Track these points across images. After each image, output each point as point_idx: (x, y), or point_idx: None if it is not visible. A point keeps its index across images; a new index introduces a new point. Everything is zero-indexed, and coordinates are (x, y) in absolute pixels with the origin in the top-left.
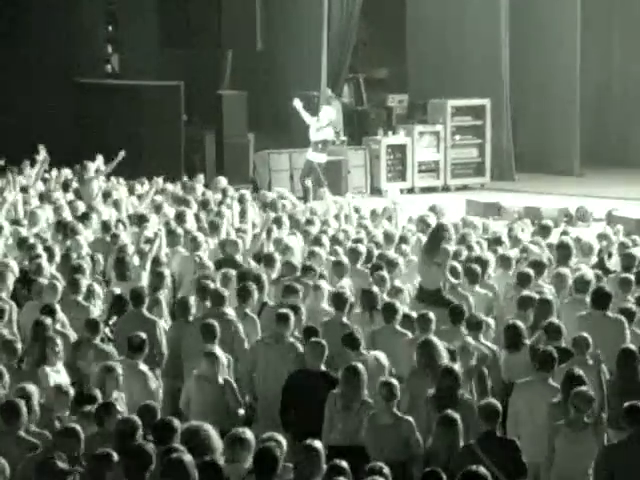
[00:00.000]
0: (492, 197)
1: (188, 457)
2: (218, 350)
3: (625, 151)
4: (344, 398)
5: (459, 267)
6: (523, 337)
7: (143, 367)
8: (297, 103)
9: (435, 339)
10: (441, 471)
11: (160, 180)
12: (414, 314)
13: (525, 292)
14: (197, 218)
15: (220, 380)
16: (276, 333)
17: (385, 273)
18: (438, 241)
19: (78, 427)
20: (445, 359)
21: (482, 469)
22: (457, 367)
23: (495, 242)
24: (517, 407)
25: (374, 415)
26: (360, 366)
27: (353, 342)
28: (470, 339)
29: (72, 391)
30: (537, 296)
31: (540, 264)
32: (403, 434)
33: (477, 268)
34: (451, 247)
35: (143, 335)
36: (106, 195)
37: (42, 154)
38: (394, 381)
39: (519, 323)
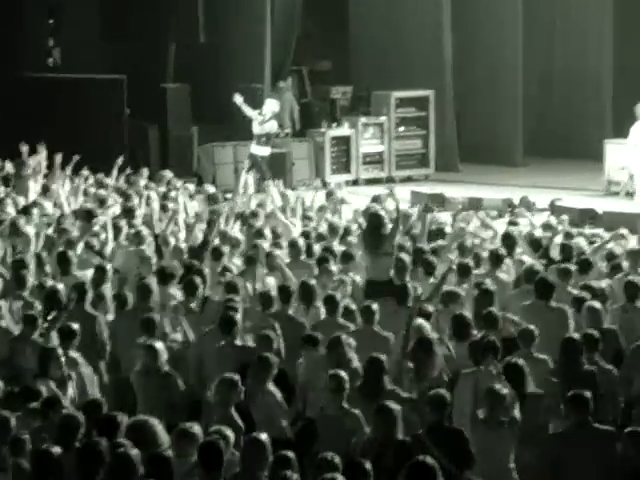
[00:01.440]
0: (436, 188)
1: (135, 451)
2: (158, 343)
3: (568, 141)
4: (249, 388)
5: (407, 259)
6: (470, 327)
7: (74, 354)
8: (237, 98)
9: (345, 337)
10: (364, 462)
11: (85, 172)
12: (354, 306)
13: (450, 287)
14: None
15: (163, 370)
16: None
17: (332, 265)
18: (378, 230)
19: (7, 414)
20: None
21: (429, 459)
22: (384, 357)
23: (438, 234)
24: (463, 397)
25: (323, 407)
26: (270, 358)
27: (314, 340)
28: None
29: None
30: (460, 291)
31: (493, 255)
32: (348, 427)
33: (434, 260)
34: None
35: (74, 325)
36: (45, 190)
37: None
38: (342, 373)
39: (466, 313)
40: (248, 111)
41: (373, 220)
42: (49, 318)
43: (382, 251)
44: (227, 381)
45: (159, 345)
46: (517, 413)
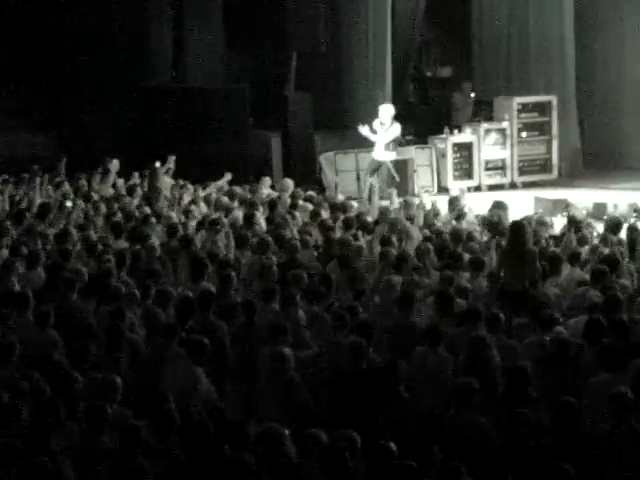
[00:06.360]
0: (560, 194)
1: (251, 459)
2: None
3: None
4: None
5: None
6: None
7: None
8: (362, 129)
9: None
10: None
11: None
12: None
13: None
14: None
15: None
16: None
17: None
18: (521, 239)
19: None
20: None
21: None
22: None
23: (555, 240)
24: None
25: None
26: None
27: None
28: None
29: None
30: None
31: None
32: None
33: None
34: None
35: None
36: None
37: (114, 163)
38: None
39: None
40: (374, 137)
41: (519, 229)
42: None
43: (516, 259)
44: None
45: (287, 351)
46: None
